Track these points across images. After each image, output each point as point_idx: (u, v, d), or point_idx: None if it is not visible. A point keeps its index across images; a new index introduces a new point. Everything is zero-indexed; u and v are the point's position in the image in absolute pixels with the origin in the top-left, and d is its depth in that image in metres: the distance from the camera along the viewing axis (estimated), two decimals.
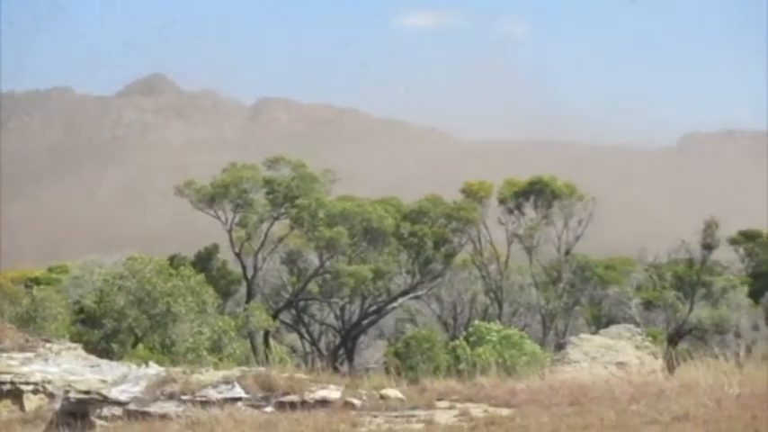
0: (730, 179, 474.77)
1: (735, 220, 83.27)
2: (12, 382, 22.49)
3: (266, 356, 30.92)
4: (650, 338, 33.75)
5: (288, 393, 19.66)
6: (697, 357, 23.81)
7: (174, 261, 45.07)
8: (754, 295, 61.50)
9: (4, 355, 23.90)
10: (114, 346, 37.62)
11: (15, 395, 22.47)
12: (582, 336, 31.42)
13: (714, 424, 15.20)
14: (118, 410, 19.43)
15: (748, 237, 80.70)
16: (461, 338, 36.52)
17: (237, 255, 46.50)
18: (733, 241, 78.31)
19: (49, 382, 22.85)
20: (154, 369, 21.19)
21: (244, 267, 46.50)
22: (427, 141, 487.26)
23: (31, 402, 22.47)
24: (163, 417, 18.69)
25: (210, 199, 45.45)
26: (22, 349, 24.47)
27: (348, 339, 45.92)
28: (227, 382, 19.87)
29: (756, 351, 49.81)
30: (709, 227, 53.23)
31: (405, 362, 37.67)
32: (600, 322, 52.18)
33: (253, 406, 19.24)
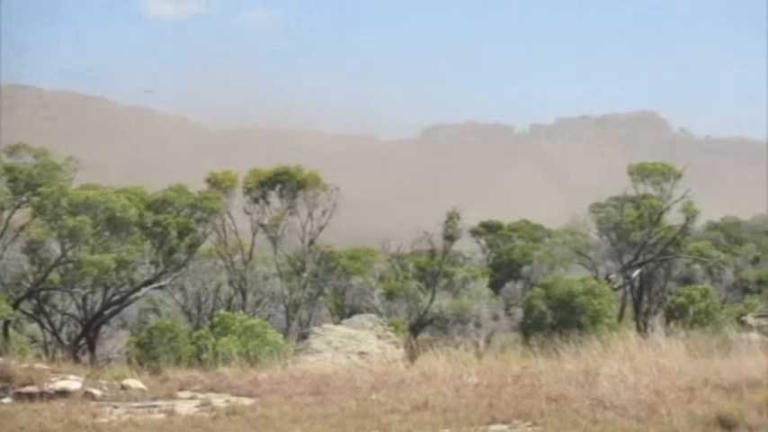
0: (473, 171, 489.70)
1: (477, 211, 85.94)
2: None
3: (4, 347, 29.88)
4: (392, 328, 34.47)
5: (26, 384, 19.16)
6: (438, 347, 24.55)
7: None
8: (495, 286, 63.66)
9: None
10: None
11: None
12: (325, 326, 31.80)
13: (452, 412, 15.70)
14: None
15: (489, 228, 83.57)
16: (205, 328, 36.33)
17: None
18: (474, 232, 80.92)
19: None
20: None
21: None
22: (174, 130, 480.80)
23: None
24: None
25: None
26: None
27: (90, 329, 44.76)
28: None
29: (495, 341, 51.68)
30: (451, 218, 54.60)
31: (147, 352, 37.18)
32: (343, 312, 52.89)
33: None
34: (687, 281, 63.07)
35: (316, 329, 30.94)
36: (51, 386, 18.99)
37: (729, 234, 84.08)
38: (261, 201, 51.08)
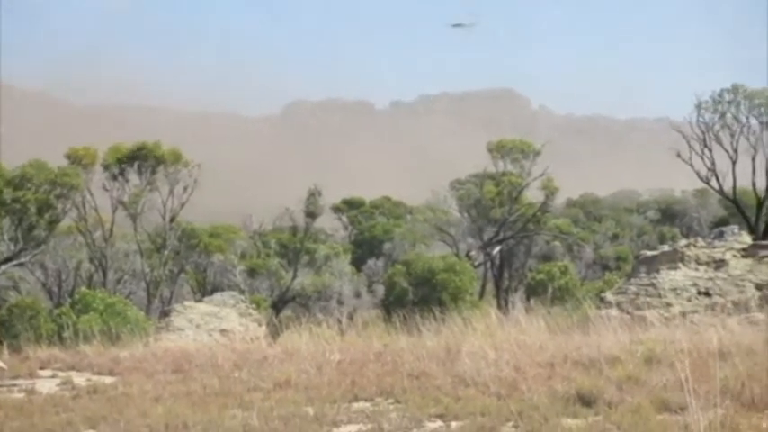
0: (335, 148, 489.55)
1: (339, 188, 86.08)
2: None
3: None
4: (254, 306, 34.40)
5: None
6: (300, 324, 24.54)
7: None
8: (357, 262, 63.97)
9: None
10: None
11: None
12: (186, 303, 31.57)
13: (315, 390, 15.73)
14: None
15: (351, 205, 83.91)
16: (66, 306, 35.75)
17: None
18: (336, 209, 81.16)
19: None
20: None
21: None
22: (34, 105, 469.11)
23: None
24: None
25: None
26: None
27: None
28: None
29: (357, 318, 51.88)
30: (312, 195, 54.65)
31: (8, 330, 36.36)
32: (205, 290, 52.58)
33: None
34: (547, 258, 64.36)
35: (177, 307, 30.68)
36: None
37: (588, 211, 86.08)
38: (120, 177, 50.34)
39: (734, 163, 52.74)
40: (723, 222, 54.53)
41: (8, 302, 44.37)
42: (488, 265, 62.45)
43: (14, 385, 17.76)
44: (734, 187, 53.17)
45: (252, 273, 54.96)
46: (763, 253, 24.72)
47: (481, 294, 59.03)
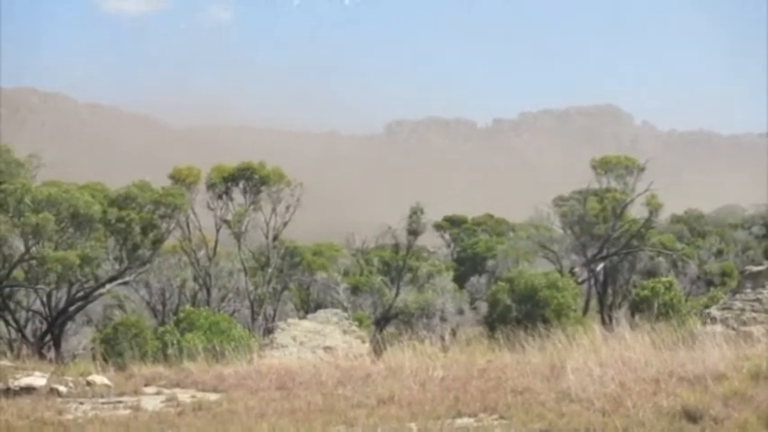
0: (436, 166, 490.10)
1: (441, 206, 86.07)
2: None
3: None
4: (357, 323, 34.45)
5: None
6: (403, 341, 24.52)
7: None
8: (459, 280, 63.76)
9: None
10: None
11: None
12: (290, 320, 31.69)
13: (418, 406, 15.70)
14: None
15: (453, 222, 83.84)
16: (170, 324, 36.20)
17: None
18: (439, 227, 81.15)
19: None
20: None
21: None
22: (139, 128, 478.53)
23: None
24: None
25: None
26: None
27: (55, 326, 44.50)
28: None
29: (461, 335, 51.75)
30: (415, 213, 54.58)
31: (113, 348, 36.93)
32: (308, 307, 52.80)
33: None
34: (651, 274, 63.35)
35: (281, 324, 30.84)
36: (17, 383, 18.86)
37: (693, 227, 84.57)
38: (224, 197, 50.94)
39: None
40: None
41: (113, 321, 45.12)
42: (592, 281, 61.86)
43: (120, 402, 18.01)
44: None
45: (355, 290, 55.11)
46: None
47: (585, 311, 58.48)
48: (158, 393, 19.04)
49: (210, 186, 50.42)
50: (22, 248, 40.51)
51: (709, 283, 66.20)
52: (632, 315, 49.44)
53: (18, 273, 42.49)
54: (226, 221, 50.58)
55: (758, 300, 23.24)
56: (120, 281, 44.82)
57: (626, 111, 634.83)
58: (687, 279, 66.36)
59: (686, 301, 55.72)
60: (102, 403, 17.94)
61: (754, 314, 22.79)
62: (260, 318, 50.79)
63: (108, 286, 44.86)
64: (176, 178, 48.57)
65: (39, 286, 42.29)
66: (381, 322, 53.30)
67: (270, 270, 51.83)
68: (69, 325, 47.48)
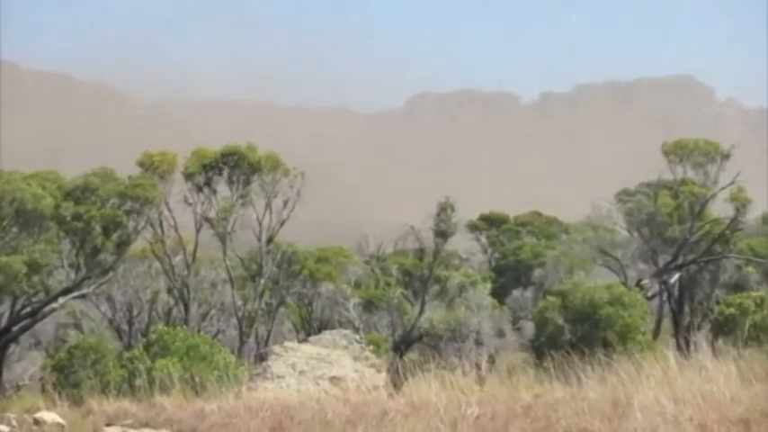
0: (469, 151, 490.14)
1: (476, 201, 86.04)
2: None
3: None
4: (372, 347, 34.50)
5: None
6: (429, 370, 24.53)
7: None
8: (499, 294, 63.67)
9: None
10: None
11: None
12: (288, 344, 31.76)
13: None
14: None
15: (491, 222, 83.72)
16: (139, 348, 36.28)
17: None
18: (473, 227, 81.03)
19: None
20: None
21: None
22: (98, 101, 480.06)
23: None
24: None
25: None
26: None
27: None
28: None
29: (501, 362, 51.75)
30: (443, 209, 54.22)
31: (67, 378, 37.09)
32: (311, 328, 52.95)
33: None
34: (739, 287, 63.14)
35: (276, 349, 30.92)
36: None
37: None
38: (206, 189, 50.91)
39: None
40: None
41: (68, 343, 45.25)
42: (664, 296, 61.76)
43: None
44: None
45: (369, 306, 55.17)
46: None
47: (656, 333, 58.45)
48: None
49: (189, 176, 50.42)
50: None
51: None
52: (715, 339, 49.44)
53: None
54: (208, 219, 50.62)
55: None
56: (76, 293, 44.89)
57: (706, 84, 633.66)
58: None
59: None
60: None
61: None
62: (250, 340, 50.92)
63: (61, 300, 44.95)
64: (146, 165, 48.61)
65: None
66: (402, 347, 53.34)
67: (263, 281, 51.90)
68: (13, 348, 47.65)
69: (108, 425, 19.99)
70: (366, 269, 59.76)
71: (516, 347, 57.64)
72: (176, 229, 50.87)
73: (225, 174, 50.96)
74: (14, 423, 19.39)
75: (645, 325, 52.85)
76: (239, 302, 51.46)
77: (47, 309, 45.02)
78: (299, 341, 34.91)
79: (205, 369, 30.70)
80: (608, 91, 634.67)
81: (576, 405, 18.19)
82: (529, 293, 65.08)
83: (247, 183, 50.94)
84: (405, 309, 55.15)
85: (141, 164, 48.78)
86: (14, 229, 41.84)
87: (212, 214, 50.66)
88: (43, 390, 31.53)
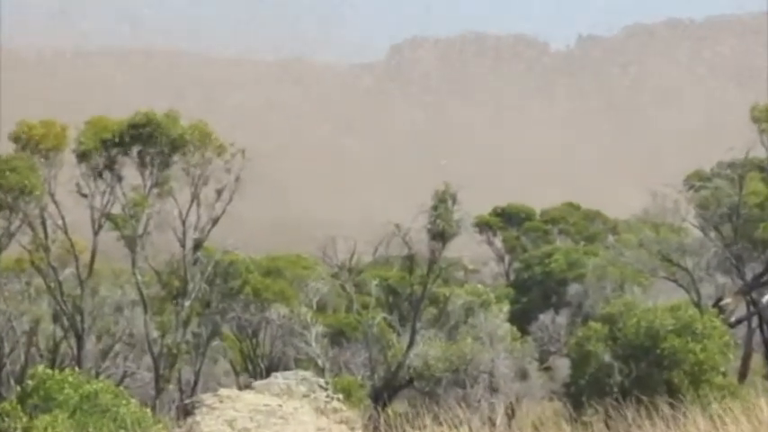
0: (477, 115, 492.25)
1: (487, 188, 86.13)
2: None
3: None
4: (343, 395, 34.51)
5: None
6: (423, 427, 24.57)
7: None
8: (521, 318, 63.63)
9: None
10: None
11: None
12: (224, 392, 31.76)
13: None
14: None
15: (510, 217, 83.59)
16: (11, 400, 36.23)
17: None
18: (484, 226, 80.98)
19: None
20: None
21: None
22: None
23: None
24: None
25: None
26: None
27: None
28: None
29: (524, 414, 51.82)
30: (442, 201, 54.10)
31: None
32: (255, 368, 52.93)
33: None
34: None
35: (208, 399, 30.91)
36: None
37: None
38: (108, 173, 50.70)
39: None
40: None
41: None
42: (754, 322, 61.84)
43: None
44: None
45: (338, 338, 55.27)
46: None
47: (743, 374, 58.50)
48: None
49: (83, 156, 50.20)
50: None
51: None
52: None
53: None
54: (110, 217, 50.50)
55: None
56: None
57: None
58: None
59: None
60: None
61: None
62: (171, 387, 50.87)
63: None
64: (23, 141, 48.47)
65: None
66: (385, 394, 53.39)
67: (188, 302, 51.80)
68: None
69: None
70: (334, 285, 59.72)
71: (545, 394, 57.79)
72: (66, 231, 50.73)
73: (134, 153, 50.70)
74: None
75: (726, 363, 52.88)
76: (155, 334, 51.38)
77: None
78: (240, 387, 34.89)
79: (106, 428, 30.64)
80: (669, 34, 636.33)
81: None
82: (562, 319, 65.23)
83: (166, 165, 50.72)
84: (389, 341, 55.23)
85: (16, 138, 48.53)
86: None
87: (117, 210, 50.54)
88: None
